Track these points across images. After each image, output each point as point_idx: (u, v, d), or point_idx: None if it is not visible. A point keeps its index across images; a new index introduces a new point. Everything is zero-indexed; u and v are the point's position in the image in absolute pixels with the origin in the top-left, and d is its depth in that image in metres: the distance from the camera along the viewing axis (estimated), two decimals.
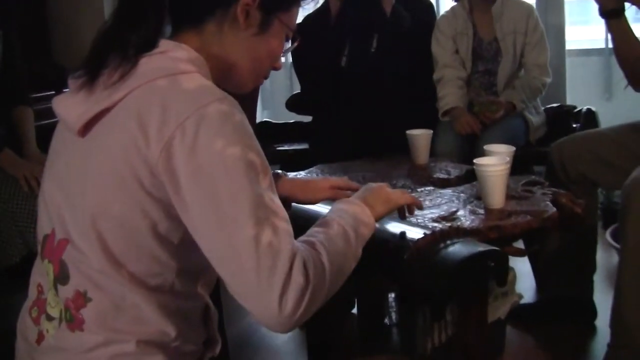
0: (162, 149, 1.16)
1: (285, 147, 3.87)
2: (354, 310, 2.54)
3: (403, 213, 1.63)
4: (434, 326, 1.78)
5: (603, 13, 2.51)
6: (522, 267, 3.05)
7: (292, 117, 4.20)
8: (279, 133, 4.10)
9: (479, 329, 1.67)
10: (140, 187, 1.20)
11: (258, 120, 4.27)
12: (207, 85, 1.25)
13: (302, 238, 1.28)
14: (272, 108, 5.03)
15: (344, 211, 1.38)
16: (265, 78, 1.48)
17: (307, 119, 3.89)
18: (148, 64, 1.25)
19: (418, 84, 3.51)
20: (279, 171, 1.74)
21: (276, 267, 1.14)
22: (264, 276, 1.14)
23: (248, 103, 3.76)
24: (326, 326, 2.07)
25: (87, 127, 1.27)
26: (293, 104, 3.94)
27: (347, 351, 2.27)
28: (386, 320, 2.56)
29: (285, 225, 1.20)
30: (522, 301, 2.54)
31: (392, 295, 2.59)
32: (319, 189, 1.72)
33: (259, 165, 1.20)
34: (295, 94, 4.05)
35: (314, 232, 1.31)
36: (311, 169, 2.49)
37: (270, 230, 1.16)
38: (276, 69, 1.46)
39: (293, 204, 1.75)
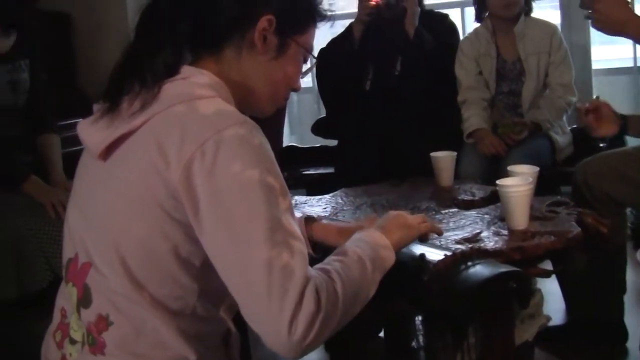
0: (182, 171, 1.18)
1: (311, 171, 3.87)
2: (381, 334, 2.53)
3: (425, 237, 1.63)
4: (457, 349, 1.76)
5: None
6: (551, 288, 3.00)
7: (318, 142, 4.22)
8: (304, 157, 4.10)
9: (506, 352, 1.63)
10: (160, 209, 1.22)
11: (285, 144, 4.28)
12: (228, 109, 1.27)
13: (318, 266, 1.28)
14: (299, 133, 5.05)
15: (361, 240, 1.39)
16: (285, 100, 1.50)
17: (333, 143, 3.90)
18: (170, 90, 1.28)
19: (442, 106, 3.51)
20: (314, 215, 1.73)
21: (287, 292, 1.15)
22: (275, 300, 1.14)
23: (273, 128, 3.80)
24: (352, 350, 2.06)
25: (108, 151, 1.30)
26: (318, 128, 3.96)
27: None
28: (413, 344, 2.54)
29: (300, 250, 1.20)
30: (551, 323, 2.50)
31: (419, 319, 2.57)
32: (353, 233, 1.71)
33: (277, 188, 1.21)
34: (321, 118, 4.07)
35: (330, 261, 1.31)
36: (335, 192, 2.49)
37: (284, 255, 1.17)
38: (295, 90, 1.48)
39: None
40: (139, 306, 1.26)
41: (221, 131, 1.19)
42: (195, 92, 1.28)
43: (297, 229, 1.23)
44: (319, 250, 1.66)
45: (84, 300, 1.31)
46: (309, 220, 1.66)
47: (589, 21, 2.28)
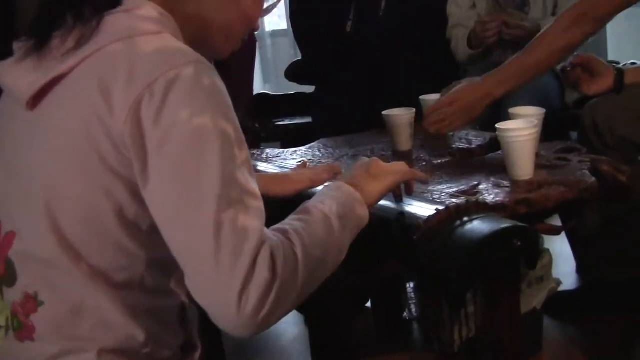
0: (127, 115, 1.13)
1: (286, 122, 3.84)
2: (368, 305, 2.51)
3: (399, 193, 1.60)
4: (454, 320, 1.74)
5: None
6: (560, 248, 3.02)
7: (293, 88, 4.19)
8: (278, 106, 4.06)
9: (510, 321, 1.64)
10: (102, 164, 1.17)
11: (256, 92, 4.24)
12: (179, 46, 1.22)
13: (274, 227, 1.24)
14: (273, 81, 5.07)
15: (328, 196, 1.34)
16: (243, 41, 1.46)
17: (310, 89, 3.88)
18: (111, 24, 1.22)
19: (433, 49, 3.49)
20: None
21: (239, 258, 1.10)
22: (223, 267, 1.10)
23: (242, 73, 3.74)
24: (333, 324, 2.02)
25: (38, 98, 1.23)
26: (293, 73, 3.93)
27: (361, 351, 2.24)
28: (405, 314, 2.53)
29: (256, 209, 1.16)
30: (562, 288, 2.53)
31: (411, 286, 2.56)
32: (299, 180, 1.69)
33: (234, 138, 1.16)
34: (296, 61, 4.05)
35: (290, 220, 1.27)
36: (313, 144, 2.48)
37: (237, 215, 1.12)
38: (254, 30, 1.46)
39: None
40: (75, 280, 1.21)
41: (173, 70, 1.14)
42: (141, 26, 1.22)
43: (254, 185, 1.19)
44: None
45: (7, 277, 1.26)
46: None
47: None
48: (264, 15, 1.48)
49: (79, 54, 1.20)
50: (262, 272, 1.11)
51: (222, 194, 1.12)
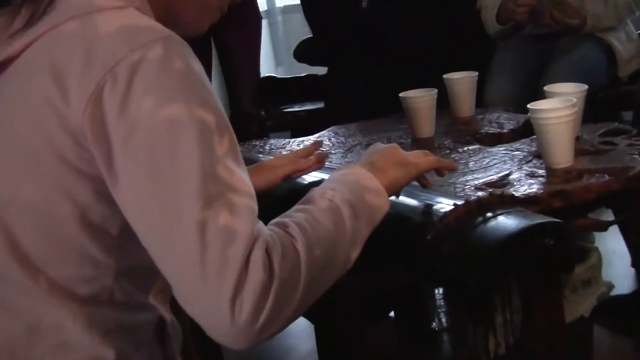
0: (87, 104, 1.10)
1: (295, 108, 3.86)
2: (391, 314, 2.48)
3: (426, 181, 1.56)
4: (478, 332, 1.71)
5: None
6: (614, 246, 2.99)
7: (308, 71, 4.21)
8: (287, 91, 4.09)
9: (553, 332, 1.62)
10: (60, 161, 1.14)
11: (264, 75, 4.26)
12: (145, 22, 1.18)
13: (274, 220, 1.20)
14: (286, 63, 5.07)
15: (339, 181, 1.30)
16: (222, 12, 1.42)
17: (322, 71, 3.90)
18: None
19: (456, 25, 3.51)
20: None
21: (227, 259, 1.06)
22: (211, 271, 1.06)
23: (247, 53, 3.75)
24: (343, 338, 1.99)
25: None
26: (304, 53, 3.94)
27: None
28: (434, 325, 2.50)
29: (245, 203, 1.12)
30: (614, 292, 2.48)
31: (439, 292, 2.52)
32: (278, 166, 1.70)
33: (213, 126, 1.13)
34: (306, 40, 4.05)
35: (291, 211, 1.23)
36: (323, 132, 2.47)
37: (223, 212, 1.09)
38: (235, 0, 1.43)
39: None
40: (32, 296, 1.20)
41: (139, 49, 1.11)
42: (101, 1, 1.19)
43: (241, 175, 1.15)
44: None
45: None
46: None
47: None
48: None
49: (29, 35, 1.17)
50: (256, 272, 1.07)
51: (203, 190, 1.09)
